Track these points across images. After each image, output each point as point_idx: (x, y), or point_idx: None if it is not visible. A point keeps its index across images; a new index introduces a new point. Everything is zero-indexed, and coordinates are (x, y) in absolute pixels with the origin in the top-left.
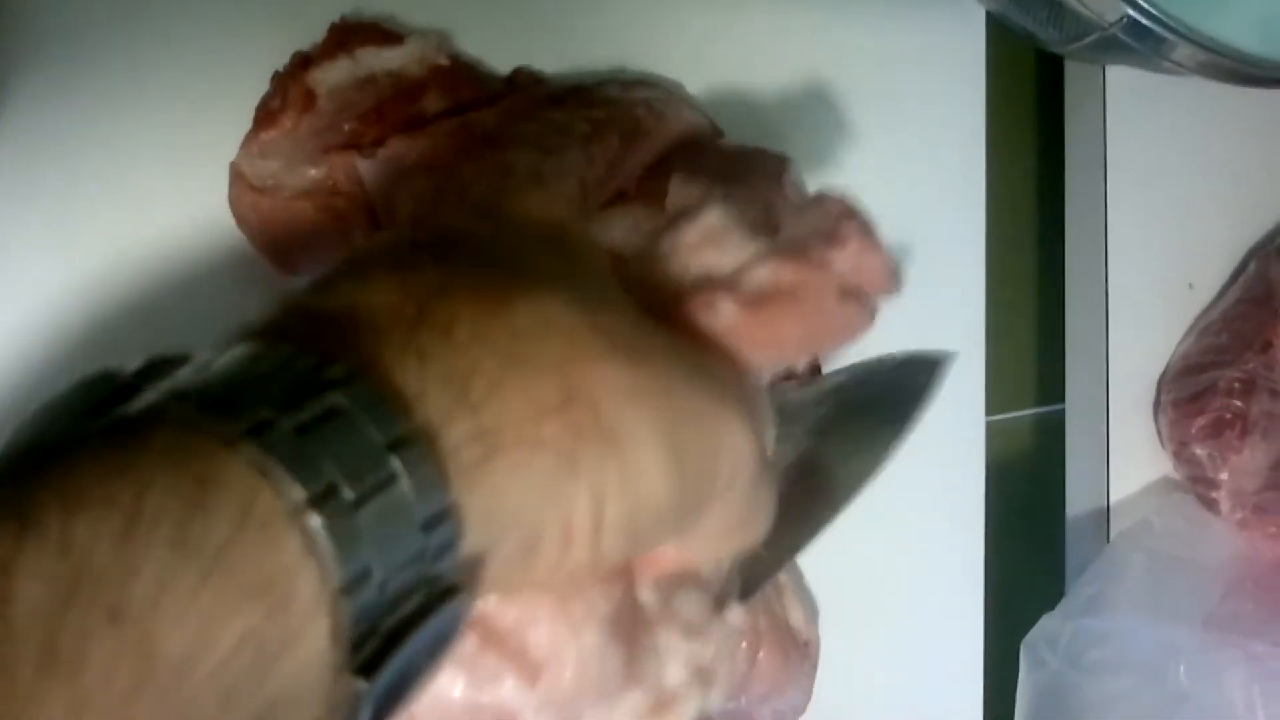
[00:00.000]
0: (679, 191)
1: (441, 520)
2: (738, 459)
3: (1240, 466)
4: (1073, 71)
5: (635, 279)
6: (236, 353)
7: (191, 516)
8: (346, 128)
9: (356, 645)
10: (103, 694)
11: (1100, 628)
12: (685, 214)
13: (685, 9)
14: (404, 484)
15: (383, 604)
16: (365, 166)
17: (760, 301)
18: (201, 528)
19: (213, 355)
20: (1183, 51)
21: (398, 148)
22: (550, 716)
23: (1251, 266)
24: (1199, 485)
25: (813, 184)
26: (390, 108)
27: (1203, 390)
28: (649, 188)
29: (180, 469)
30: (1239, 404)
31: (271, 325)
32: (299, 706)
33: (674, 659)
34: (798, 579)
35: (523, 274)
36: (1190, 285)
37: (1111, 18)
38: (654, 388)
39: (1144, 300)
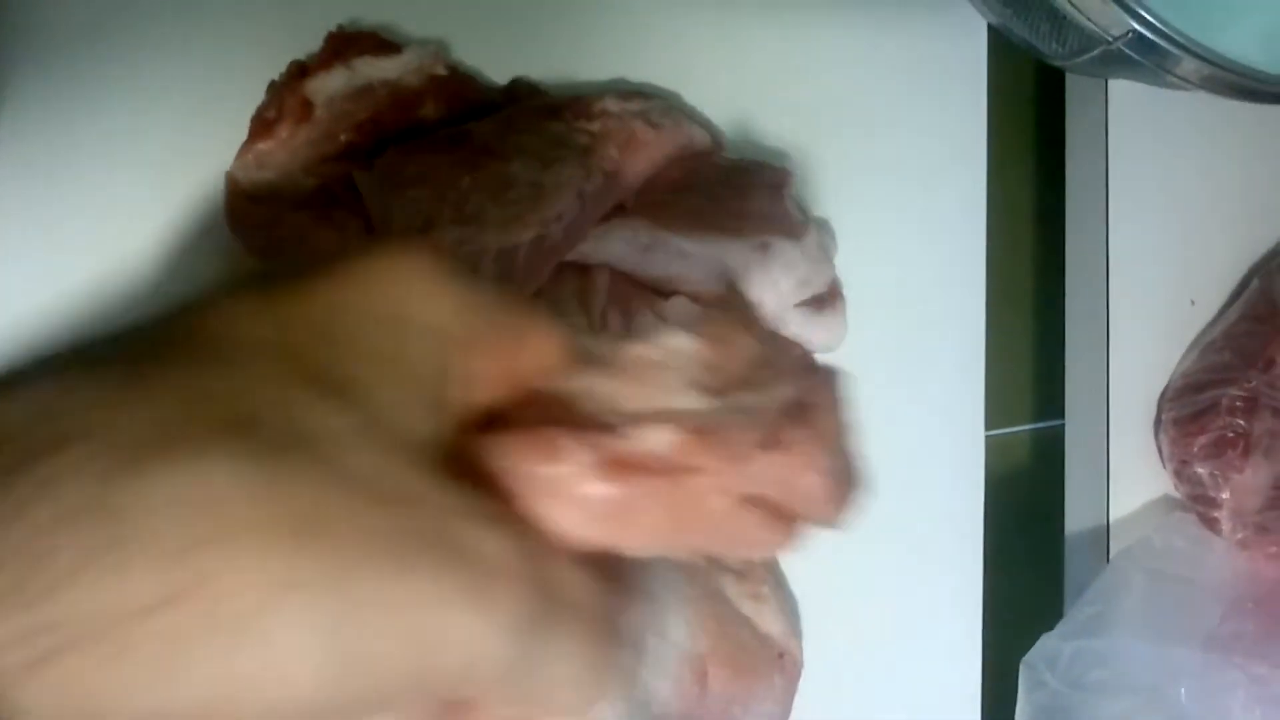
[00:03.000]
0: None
1: None
2: (465, 657)
3: (1242, 486)
4: (1074, 85)
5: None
6: None
7: None
8: (343, 138)
9: None
10: None
11: (1100, 648)
12: (646, 329)
13: (683, 20)
14: None
15: None
16: (362, 178)
17: (621, 467)
18: None
19: None
20: (1187, 66)
21: (395, 159)
22: None
23: (1254, 283)
24: (1200, 504)
25: (814, 198)
26: (387, 118)
27: (1204, 408)
28: (648, 200)
29: None
30: (1241, 423)
31: None
32: None
33: None
34: (781, 592)
35: (197, 419)
36: (1192, 301)
37: (1116, 32)
38: (321, 577)
39: (1145, 316)
